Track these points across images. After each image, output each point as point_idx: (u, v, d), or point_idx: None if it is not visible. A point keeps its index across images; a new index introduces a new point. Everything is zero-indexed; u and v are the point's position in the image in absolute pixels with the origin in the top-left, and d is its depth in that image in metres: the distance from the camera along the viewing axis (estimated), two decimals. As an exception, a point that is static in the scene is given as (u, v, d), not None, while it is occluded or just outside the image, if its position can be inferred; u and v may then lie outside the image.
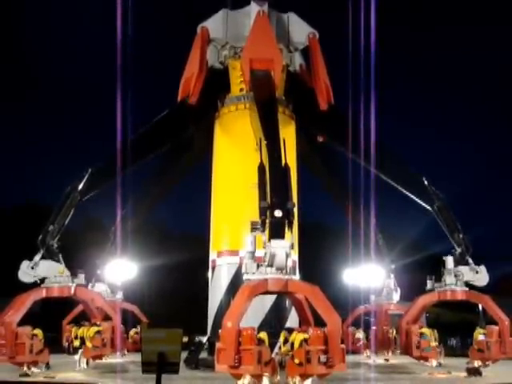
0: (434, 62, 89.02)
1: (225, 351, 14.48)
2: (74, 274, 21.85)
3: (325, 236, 48.87)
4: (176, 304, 41.85)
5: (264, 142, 18.26)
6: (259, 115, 19.41)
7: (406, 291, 28.37)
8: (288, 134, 23.00)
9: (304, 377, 15.00)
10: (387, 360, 26.12)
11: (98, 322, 22.13)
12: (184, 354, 19.48)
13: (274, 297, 20.25)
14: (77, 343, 22.19)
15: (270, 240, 15.56)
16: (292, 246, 15.87)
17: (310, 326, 16.18)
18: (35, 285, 21.32)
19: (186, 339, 23.24)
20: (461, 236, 22.15)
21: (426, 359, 22.08)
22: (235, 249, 20.93)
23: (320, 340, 14.78)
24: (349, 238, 28.19)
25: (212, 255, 22.54)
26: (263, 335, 15.26)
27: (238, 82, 23.40)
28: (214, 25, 23.70)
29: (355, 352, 27.77)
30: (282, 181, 16.98)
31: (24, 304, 20.48)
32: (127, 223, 26.38)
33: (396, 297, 27.70)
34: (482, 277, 21.94)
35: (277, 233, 15.59)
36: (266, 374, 14.73)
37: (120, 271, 27.96)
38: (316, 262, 42.43)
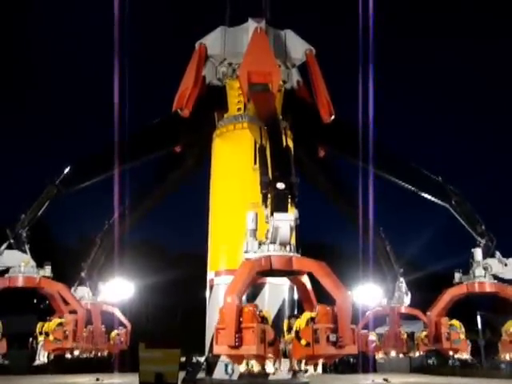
0: (436, 64, 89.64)
1: (224, 330, 13.37)
2: (40, 266, 21.46)
3: (323, 255, 48.74)
4: (173, 323, 41.60)
5: (264, 128, 17.97)
6: (263, 124, 19.24)
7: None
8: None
9: (312, 359, 13.79)
10: (386, 380, 25.97)
11: (64, 315, 21.62)
12: (182, 374, 19.34)
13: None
14: (41, 338, 21.61)
15: (272, 214, 14.58)
16: (296, 221, 14.80)
17: (314, 308, 15.02)
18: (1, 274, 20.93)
19: (183, 359, 23.09)
20: (483, 227, 21.86)
21: (455, 351, 21.82)
22: (233, 268, 20.82)
23: (328, 317, 13.59)
24: (349, 257, 28.18)
25: (210, 274, 22.43)
26: (266, 313, 14.15)
27: (235, 102, 23.54)
28: (212, 41, 23.94)
29: (367, 354, 27.64)
30: (284, 156, 16.53)
31: None
32: (112, 233, 26.25)
33: (407, 300, 27.17)
34: (510, 269, 21.44)
35: (280, 205, 14.76)
36: (270, 356, 13.57)
37: (117, 290, 27.97)
38: (316, 280, 42.21)
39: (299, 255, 15.11)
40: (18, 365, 26.68)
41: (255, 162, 21.57)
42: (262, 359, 13.55)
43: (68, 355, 23.23)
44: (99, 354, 26.13)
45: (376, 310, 28.27)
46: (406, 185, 23.35)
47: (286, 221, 14.38)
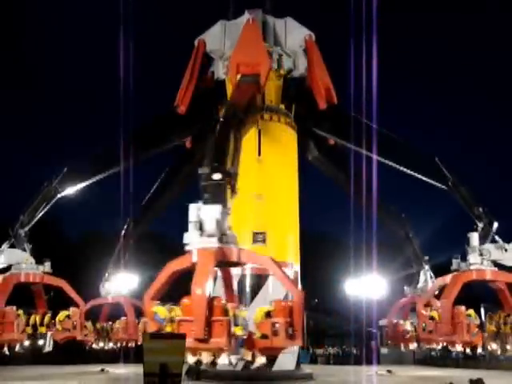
0: (438, 58, 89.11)
1: (191, 323, 13.27)
2: (40, 262, 23.19)
3: (328, 246, 48.86)
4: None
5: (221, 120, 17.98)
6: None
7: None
8: (289, 144, 23.03)
9: (268, 352, 14.41)
10: (390, 371, 25.99)
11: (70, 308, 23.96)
12: (186, 365, 19.42)
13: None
14: (29, 330, 23.05)
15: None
16: (228, 211, 14.93)
17: (234, 302, 15.24)
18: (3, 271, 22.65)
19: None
20: (480, 209, 20.56)
21: (472, 345, 20.70)
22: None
23: (285, 312, 14.30)
24: (351, 248, 28.07)
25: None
26: (230, 306, 14.29)
27: (235, 96, 23.52)
28: (211, 37, 23.96)
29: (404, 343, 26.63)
30: (223, 147, 16.49)
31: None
32: (131, 231, 27.22)
33: None
34: (511, 255, 20.07)
35: (210, 197, 14.82)
36: (227, 348, 13.66)
37: (123, 283, 28.38)
38: (319, 273, 42.39)
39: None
40: (19, 355, 27.32)
41: (259, 154, 21.62)
42: (221, 351, 13.62)
43: (95, 346, 26.51)
44: (130, 345, 27.93)
45: (408, 298, 26.63)
46: (403, 168, 22.71)
47: (211, 214, 14.48)
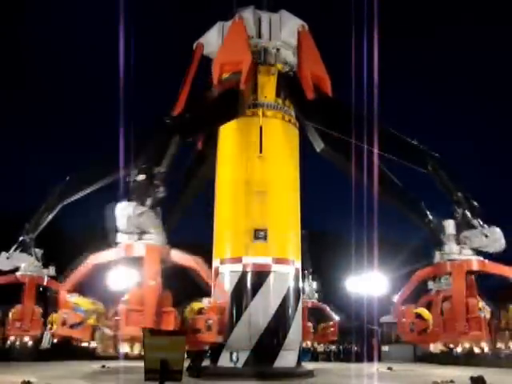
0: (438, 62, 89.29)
1: (140, 312, 14.22)
2: (46, 267, 25.20)
3: (329, 243, 48.94)
4: (178, 310, 41.70)
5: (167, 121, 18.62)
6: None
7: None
8: (290, 140, 22.94)
9: (196, 345, 15.63)
10: (390, 369, 25.99)
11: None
12: (187, 362, 19.40)
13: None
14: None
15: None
16: (151, 211, 15.51)
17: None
18: (12, 272, 24.88)
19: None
20: (459, 194, 19.37)
21: (482, 342, 19.64)
22: (238, 256, 20.88)
23: (217, 310, 15.85)
24: (353, 245, 27.98)
25: (215, 262, 22.43)
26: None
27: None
28: (209, 39, 23.96)
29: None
30: (162, 149, 17.05)
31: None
32: None
33: None
34: (493, 241, 18.46)
35: (133, 196, 15.48)
36: None
37: (122, 278, 28.44)
38: (320, 270, 42.46)
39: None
40: (20, 352, 27.54)
41: (260, 151, 21.58)
42: None
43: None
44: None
45: (434, 294, 24.68)
46: (383, 152, 21.98)
47: (123, 211, 15.16)
